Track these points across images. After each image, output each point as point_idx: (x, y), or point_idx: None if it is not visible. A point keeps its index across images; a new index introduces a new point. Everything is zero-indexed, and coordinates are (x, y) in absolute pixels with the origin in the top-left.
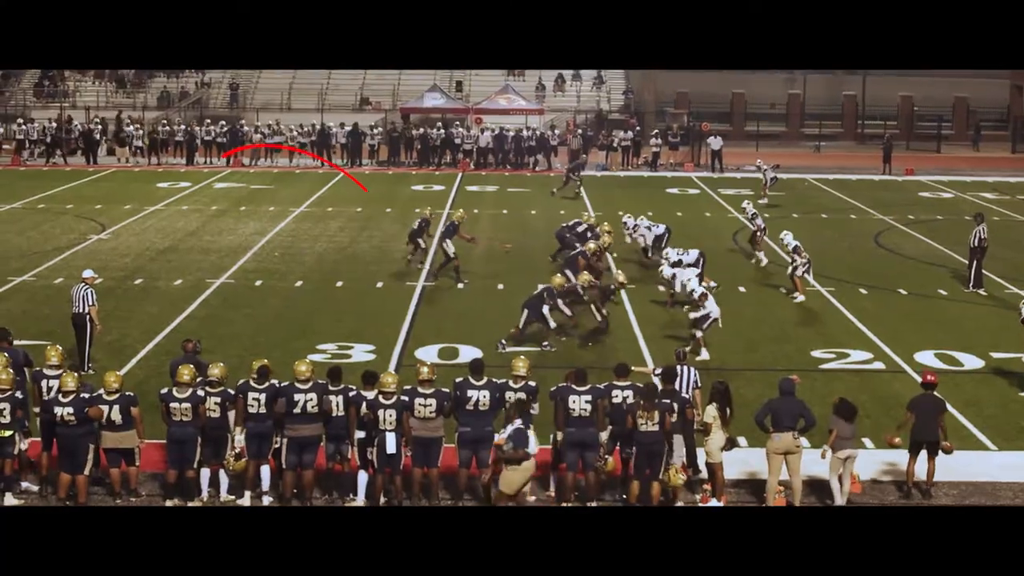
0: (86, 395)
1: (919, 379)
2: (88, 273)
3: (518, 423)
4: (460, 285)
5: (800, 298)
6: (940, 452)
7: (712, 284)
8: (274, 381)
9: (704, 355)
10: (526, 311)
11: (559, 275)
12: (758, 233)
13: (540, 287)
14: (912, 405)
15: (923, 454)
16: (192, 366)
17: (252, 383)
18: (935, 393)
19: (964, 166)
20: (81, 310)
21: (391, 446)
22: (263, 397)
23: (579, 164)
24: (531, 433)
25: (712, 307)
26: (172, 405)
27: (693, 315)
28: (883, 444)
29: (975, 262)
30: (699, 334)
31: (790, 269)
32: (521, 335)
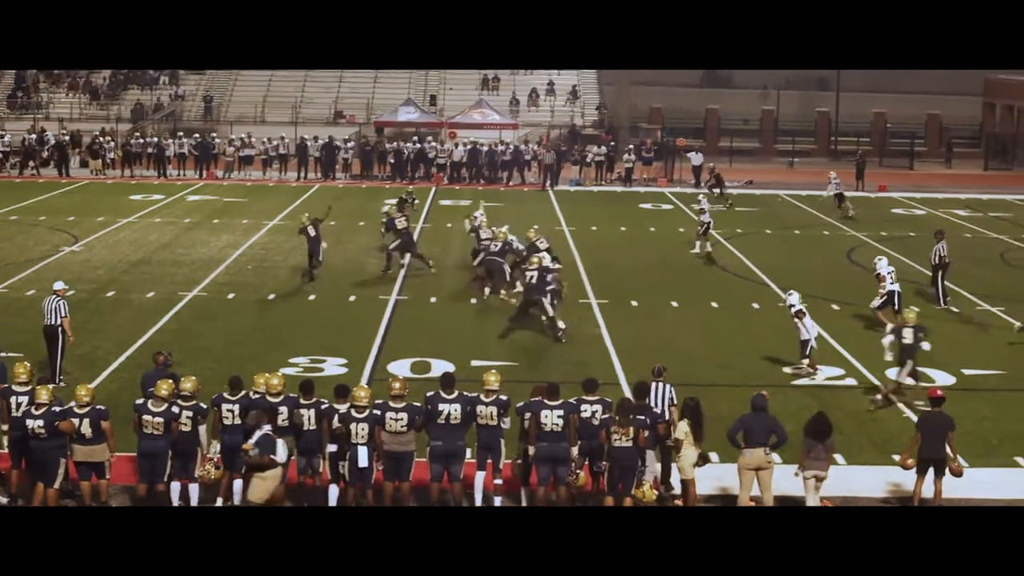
0: (57, 408)
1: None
2: (59, 285)
3: (266, 429)
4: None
5: (887, 338)
6: (948, 472)
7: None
8: (247, 392)
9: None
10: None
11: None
12: (704, 228)
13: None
14: (920, 423)
15: (931, 473)
16: (171, 381)
17: (226, 395)
18: (942, 410)
19: (936, 183)
20: (53, 322)
21: (363, 460)
22: (237, 408)
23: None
24: (280, 441)
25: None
26: (145, 418)
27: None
28: (856, 460)
29: (939, 278)
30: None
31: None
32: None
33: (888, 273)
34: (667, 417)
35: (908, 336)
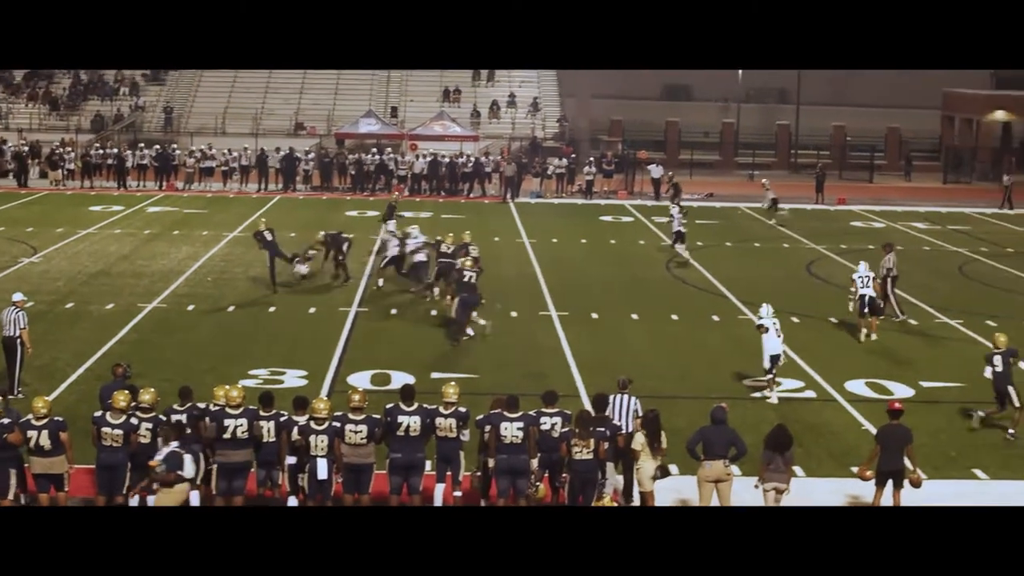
0: (7, 420)
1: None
2: (18, 296)
3: (174, 445)
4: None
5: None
6: (907, 484)
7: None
8: (199, 404)
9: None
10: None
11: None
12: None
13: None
14: (879, 436)
15: (890, 485)
16: (128, 392)
17: (175, 406)
18: (901, 422)
19: (896, 196)
20: (12, 333)
21: (322, 472)
22: (184, 418)
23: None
24: (187, 456)
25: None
26: (104, 430)
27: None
28: (815, 472)
29: (890, 291)
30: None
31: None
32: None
33: (859, 278)
34: (629, 429)
35: (999, 363)
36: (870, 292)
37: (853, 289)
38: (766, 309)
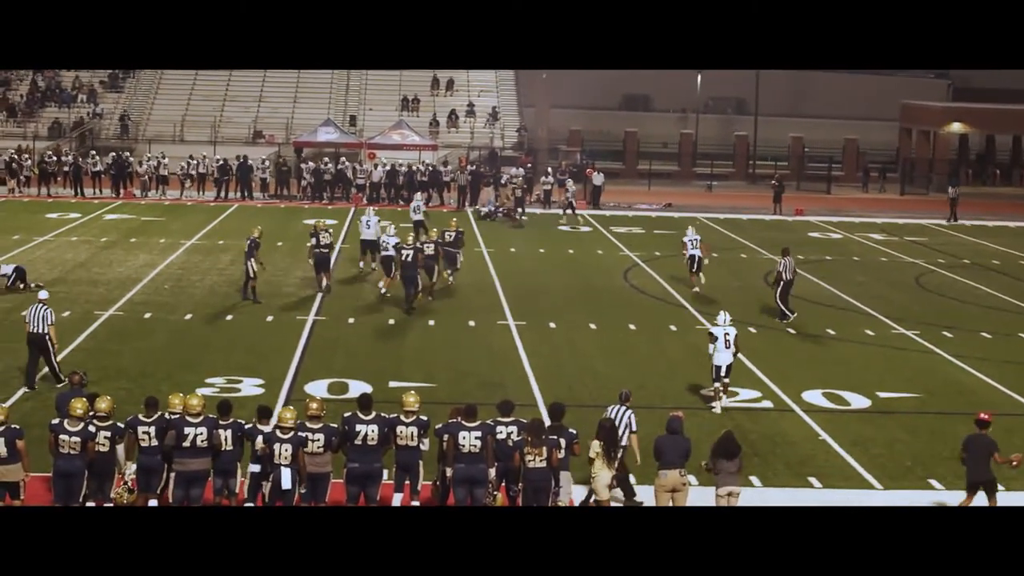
0: None
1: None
2: (44, 295)
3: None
4: (259, 303)
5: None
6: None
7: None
8: (163, 413)
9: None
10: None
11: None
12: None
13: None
14: (966, 445)
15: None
16: (85, 400)
17: (141, 417)
18: (987, 433)
19: (853, 207)
20: (41, 330)
21: (286, 482)
22: (153, 430)
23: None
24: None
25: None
26: (62, 438)
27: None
28: (771, 482)
29: (777, 294)
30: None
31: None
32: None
33: (688, 241)
34: (625, 443)
35: None
36: (698, 253)
37: (684, 252)
38: (723, 317)
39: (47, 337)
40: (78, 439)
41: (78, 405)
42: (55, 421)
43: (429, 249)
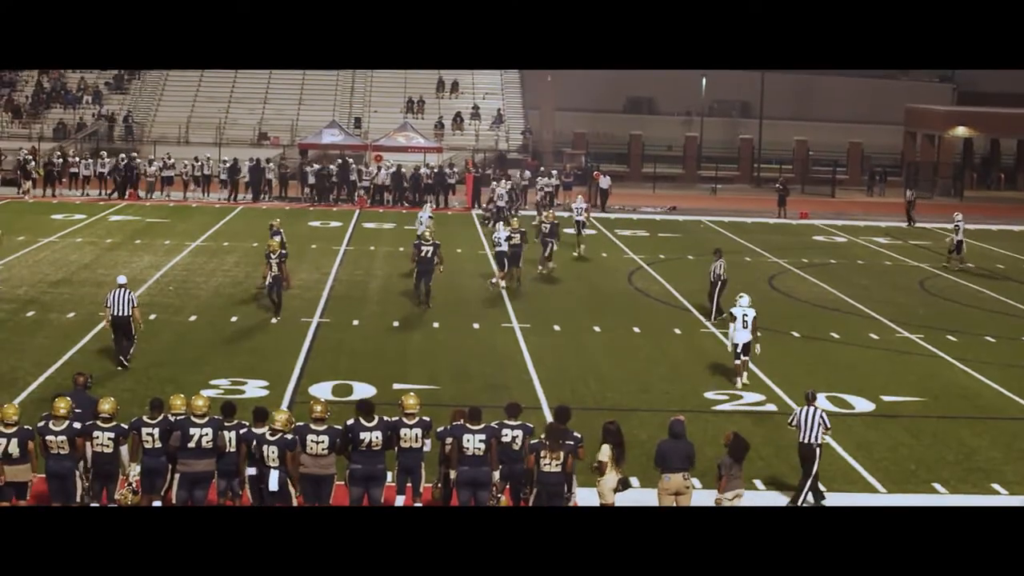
0: None
1: None
2: (123, 279)
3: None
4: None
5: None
6: None
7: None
8: (167, 415)
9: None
10: None
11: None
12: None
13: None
14: None
15: None
16: (68, 398)
17: (145, 418)
18: None
19: (858, 210)
20: (126, 313)
21: (273, 483)
22: (157, 431)
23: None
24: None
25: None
26: (48, 438)
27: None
28: (776, 486)
29: (714, 294)
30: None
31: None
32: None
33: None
34: (820, 441)
35: None
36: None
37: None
38: (743, 299)
39: (131, 319)
40: (64, 437)
41: (61, 404)
42: (40, 423)
43: (516, 239)
